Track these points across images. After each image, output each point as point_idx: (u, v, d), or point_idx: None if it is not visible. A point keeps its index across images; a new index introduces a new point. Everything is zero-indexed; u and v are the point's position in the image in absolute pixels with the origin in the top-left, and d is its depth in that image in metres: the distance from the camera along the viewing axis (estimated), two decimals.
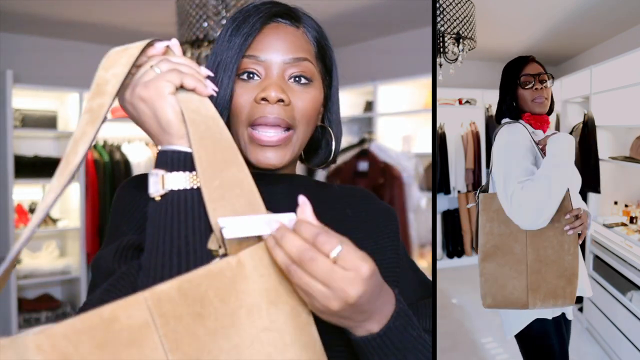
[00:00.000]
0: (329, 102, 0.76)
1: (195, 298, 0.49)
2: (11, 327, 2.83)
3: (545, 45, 1.39)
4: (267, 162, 0.67)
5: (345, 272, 0.50)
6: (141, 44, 0.57)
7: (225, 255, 0.53)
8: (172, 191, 0.55)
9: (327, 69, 0.75)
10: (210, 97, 0.59)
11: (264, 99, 0.66)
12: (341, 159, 3.10)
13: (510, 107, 1.43)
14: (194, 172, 0.55)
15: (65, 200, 3.38)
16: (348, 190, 0.81)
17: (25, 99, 3.19)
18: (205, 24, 2.31)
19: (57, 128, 3.21)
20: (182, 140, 0.56)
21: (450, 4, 1.49)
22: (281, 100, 0.66)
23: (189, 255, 0.53)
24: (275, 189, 0.70)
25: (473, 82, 1.74)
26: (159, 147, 0.58)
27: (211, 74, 0.60)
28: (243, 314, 0.50)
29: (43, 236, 3.33)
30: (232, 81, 0.67)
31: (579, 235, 1.28)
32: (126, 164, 3.37)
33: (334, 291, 0.50)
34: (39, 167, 3.11)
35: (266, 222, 0.52)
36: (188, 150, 0.55)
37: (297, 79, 0.69)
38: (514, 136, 1.37)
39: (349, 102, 3.42)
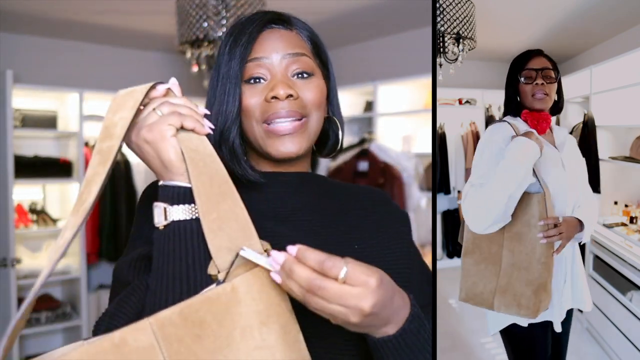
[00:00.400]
0: (330, 93, 0.81)
1: (195, 322, 0.54)
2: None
3: (546, 45, 1.38)
4: (286, 151, 0.72)
5: (355, 288, 0.54)
6: (145, 87, 0.61)
7: (223, 280, 0.58)
8: (174, 221, 0.61)
9: (323, 64, 0.80)
10: (219, 106, 0.70)
11: (274, 97, 0.71)
12: (341, 159, 3.10)
13: (511, 103, 1.38)
14: (193, 205, 0.61)
15: (65, 200, 3.38)
16: (365, 192, 0.85)
17: (25, 99, 3.19)
18: (205, 24, 2.31)
19: (57, 128, 3.20)
20: (182, 177, 0.61)
21: (450, 4, 1.49)
22: (290, 96, 0.71)
23: (190, 280, 0.59)
24: (290, 188, 0.76)
25: (473, 82, 1.74)
26: (161, 182, 0.63)
27: (208, 112, 0.65)
28: (237, 335, 0.56)
29: (43, 236, 3.33)
30: (239, 87, 0.73)
31: (560, 245, 1.23)
32: (126, 164, 3.37)
33: (350, 308, 0.54)
34: (39, 167, 3.11)
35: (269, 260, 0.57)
36: (188, 185, 0.61)
37: (299, 75, 0.74)
38: (491, 136, 1.34)
39: (349, 102, 3.41)
